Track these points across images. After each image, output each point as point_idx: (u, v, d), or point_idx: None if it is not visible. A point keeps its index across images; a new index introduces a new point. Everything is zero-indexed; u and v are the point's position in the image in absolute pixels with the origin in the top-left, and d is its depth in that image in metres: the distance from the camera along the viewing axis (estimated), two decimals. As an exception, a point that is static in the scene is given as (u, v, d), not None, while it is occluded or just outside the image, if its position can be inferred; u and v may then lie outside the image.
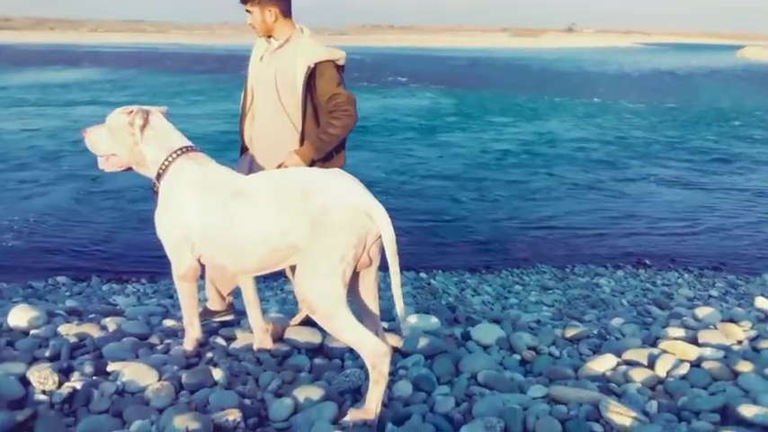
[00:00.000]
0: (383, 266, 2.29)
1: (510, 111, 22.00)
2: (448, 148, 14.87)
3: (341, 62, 2.93)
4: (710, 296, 6.13)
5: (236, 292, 3.02)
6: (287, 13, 2.92)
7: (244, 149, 3.15)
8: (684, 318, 3.75)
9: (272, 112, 2.96)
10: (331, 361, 2.81)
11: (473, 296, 6.01)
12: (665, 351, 2.96)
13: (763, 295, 4.25)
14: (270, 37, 2.96)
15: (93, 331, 3.02)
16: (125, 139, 2.53)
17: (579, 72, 43.90)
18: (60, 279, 6.40)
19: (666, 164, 13.43)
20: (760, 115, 21.71)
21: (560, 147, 15.39)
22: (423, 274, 6.82)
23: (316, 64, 2.84)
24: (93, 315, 3.48)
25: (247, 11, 2.89)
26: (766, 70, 49.46)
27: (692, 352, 2.94)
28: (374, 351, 2.17)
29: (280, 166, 2.84)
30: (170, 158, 2.49)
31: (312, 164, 2.88)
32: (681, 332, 3.30)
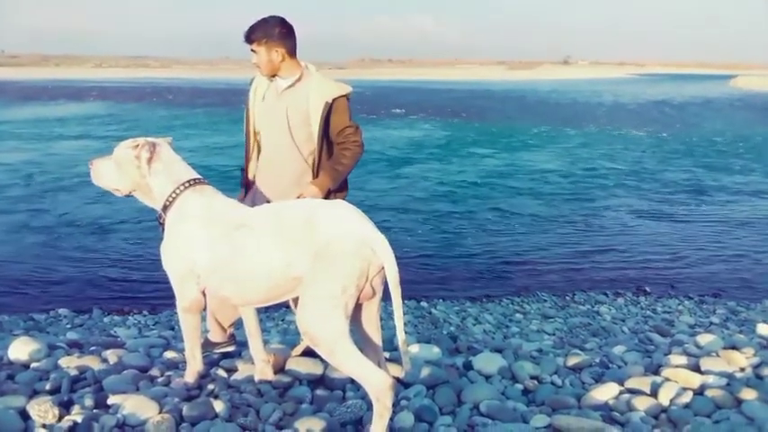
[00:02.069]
0: (385, 297, 2.30)
1: (497, 142, 22.10)
2: (405, 179, 14.66)
3: (350, 96, 3.00)
4: (712, 323, 6.11)
5: (238, 324, 3.03)
6: (293, 52, 2.93)
7: (247, 185, 3.16)
8: (686, 345, 3.74)
9: (283, 148, 3.00)
10: (332, 392, 2.79)
11: (474, 325, 5.99)
12: (667, 379, 2.95)
13: (764, 322, 4.24)
14: (274, 76, 2.97)
15: (93, 364, 3.01)
16: (131, 172, 2.56)
17: (574, 103, 44.36)
18: (61, 311, 6.40)
19: (656, 193, 13.47)
20: (756, 144, 21.88)
21: (539, 177, 15.47)
22: (424, 303, 6.81)
23: (333, 99, 2.91)
24: (93, 347, 3.46)
25: (253, 51, 2.89)
26: (760, 99, 49.97)
27: (695, 380, 2.93)
28: (378, 384, 2.16)
29: (299, 197, 2.88)
30: (177, 191, 2.52)
31: (327, 194, 2.94)
32: (683, 360, 3.29)
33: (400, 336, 2.24)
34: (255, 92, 3.05)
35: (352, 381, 2.78)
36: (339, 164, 2.96)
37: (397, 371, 2.91)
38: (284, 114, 2.95)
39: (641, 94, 56.09)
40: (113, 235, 9.55)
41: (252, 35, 2.86)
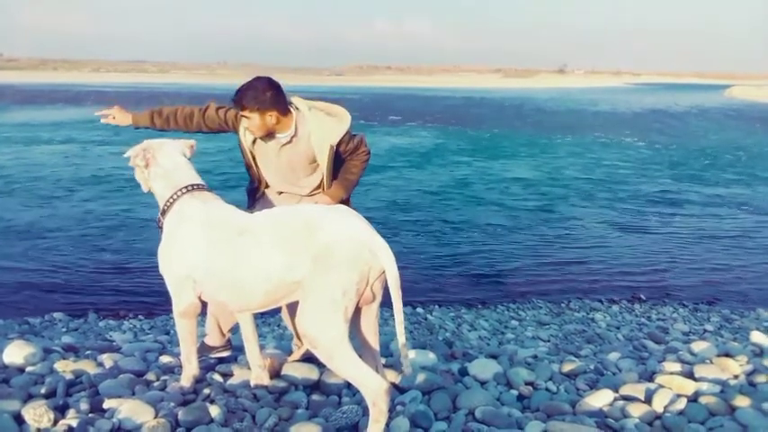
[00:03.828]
0: (384, 302, 2.31)
1: (484, 150, 22.02)
2: (367, 186, 14.17)
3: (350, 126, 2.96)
4: (706, 330, 6.14)
5: (234, 328, 3.03)
6: (286, 110, 2.83)
7: (254, 195, 3.16)
8: (680, 352, 3.76)
9: (288, 184, 3.05)
10: (328, 397, 2.80)
11: (470, 331, 6.00)
12: (662, 386, 2.97)
13: (758, 329, 4.27)
14: (269, 135, 2.88)
15: (89, 368, 3.01)
16: (138, 176, 2.69)
17: (570, 112, 44.54)
18: (57, 315, 6.37)
19: (648, 202, 13.51)
20: (751, 155, 21.99)
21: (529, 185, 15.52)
22: (419, 309, 6.82)
23: (338, 141, 2.90)
24: (89, 351, 3.46)
25: (244, 116, 2.81)
26: (754, 109, 50.29)
27: (689, 387, 2.95)
28: (375, 388, 2.17)
29: None
30: (175, 196, 2.55)
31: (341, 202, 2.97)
32: (677, 367, 3.32)
33: (401, 339, 2.25)
34: (246, 132, 2.94)
35: (349, 386, 2.79)
36: (350, 173, 3.03)
37: (393, 376, 2.92)
38: (288, 165, 2.96)
39: (637, 104, 56.38)
40: (108, 239, 9.53)
41: (244, 103, 2.75)
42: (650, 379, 3.16)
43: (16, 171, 15.40)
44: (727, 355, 3.50)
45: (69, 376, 2.87)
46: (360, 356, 2.23)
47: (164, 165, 2.62)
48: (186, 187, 2.57)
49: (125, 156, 2.65)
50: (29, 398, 2.60)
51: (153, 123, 3.12)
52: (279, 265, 2.26)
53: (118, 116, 3.14)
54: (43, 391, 2.67)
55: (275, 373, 2.89)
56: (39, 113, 33.09)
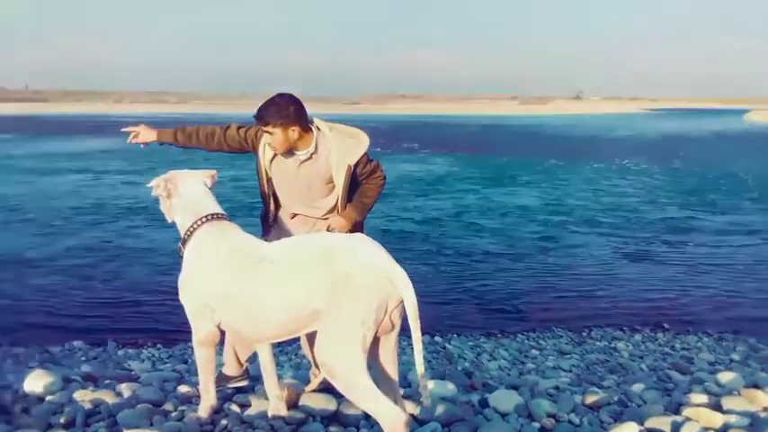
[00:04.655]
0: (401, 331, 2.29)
1: (496, 177, 21.97)
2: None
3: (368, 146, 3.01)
4: (732, 360, 5.98)
5: (251, 358, 3.02)
6: (307, 127, 2.89)
7: (267, 224, 3.19)
8: (707, 383, 3.67)
9: (302, 205, 3.07)
10: (346, 429, 2.76)
11: (489, 361, 5.91)
12: (688, 418, 2.89)
13: (787, 360, 4.16)
14: (290, 151, 2.93)
15: (108, 397, 3.02)
16: (162, 205, 2.73)
17: (586, 138, 44.39)
18: (76, 343, 6.42)
19: (667, 228, 13.32)
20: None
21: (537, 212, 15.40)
22: (437, 338, 6.75)
23: (356, 161, 2.95)
24: (108, 381, 3.47)
25: (267, 132, 2.84)
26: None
27: (717, 419, 2.87)
28: (393, 420, 2.14)
29: (328, 229, 2.95)
30: (195, 225, 2.58)
31: (354, 226, 2.99)
32: (704, 398, 3.23)
33: (419, 369, 2.23)
34: (266, 149, 3.00)
35: (367, 417, 2.75)
36: (365, 196, 3.05)
37: (411, 407, 2.87)
38: (305, 184, 2.99)
39: (654, 129, 56.07)
40: (127, 268, 9.63)
41: (267, 119, 2.80)
42: (676, 411, 3.07)
43: (31, 200, 15.69)
44: (756, 386, 3.40)
45: (88, 406, 2.88)
46: (378, 387, 2.20)
47: (184, 195, 2.66)
48: (206, 216, 2.60)
49: (148, 186, 2.70)
50: (48, 427, 2.61)
51: (176, 140, 3.18)
52: (297, 294, 2.26)
53: (143, 133, 3.22)
54: (62, 420, 2.68)
55: (293, 404, 2.87)
56: (61, 144, 33.84)
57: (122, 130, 3.29)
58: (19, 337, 6.61)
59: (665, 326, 7.44)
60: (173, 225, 2.75)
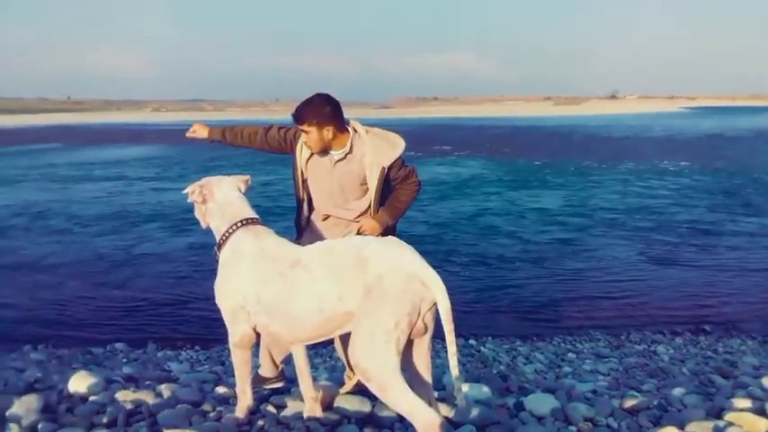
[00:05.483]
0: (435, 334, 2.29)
1: (537, 178, 21.68)
2: None
3: (403, 150, 3.05)
4: (778, 364, 5.77)
5: (287, 359, 3.06)
6: (343, 127, 2.97)
7: (301, 228, 3.24)
8: (751, 387, 3.56)
9: (335, 206, 3.11)
10: (381, 430, 2.77)
11: (525, 364, 5.84)
12: (731, 423, 2.81)
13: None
14: (325, 151, 3.01)
15: (148, 398, 3.10)
16: (197, 211, 2.80)
17: (623, 138, 43.47)
18: (118, 345, 6.59)
19: (708, 229, 12.95)
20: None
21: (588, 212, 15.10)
22: (472, 341, 6.70)
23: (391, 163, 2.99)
24: (148, 382, 3.56)
25: (303, 131, 2.93)
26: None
27: (762, 425, 2.78)
28: (428, 422, 2.14)
29: (359, 231, 3.00)
30: (230, 230, 2.64)
31: (386, 229, 3.03)
32: (747, 403, 3.13)
33: (454, 372, 2.23)
34: (303, 149, 3.08)
35: (401, 419, 2.75)
36: (398, 201, 3.08)
37: (446, 410, 2.87)
38: (338, 184, 3.04)
39: (693, 128, 54.55)
40: (168, 271, 9.85)
41: (303, 118, 2.89)
42: (718, 416, 2.99)
43: (62, 206, 16.18)
44: (804, 391, 3.29)
45: (129, 406, 2.96)
46: (412, 389, 2.20)
47: (219, 200, 2.72)
48: (241, 221, 2.65)
49: (183, 192, 2.77)
50: (92, 426, 2.70)
51: (224, 138, 3.39)
52: (331, 296, 2.28)
53: (198, 130, 3.44)
54: (105, 420, 2.76)
55: (328, 406, 2.90)
56: (102, 153, 34.83)
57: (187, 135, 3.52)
58: (63, 337, 6.84)
59: (707, 329, 7.24)
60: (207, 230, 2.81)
